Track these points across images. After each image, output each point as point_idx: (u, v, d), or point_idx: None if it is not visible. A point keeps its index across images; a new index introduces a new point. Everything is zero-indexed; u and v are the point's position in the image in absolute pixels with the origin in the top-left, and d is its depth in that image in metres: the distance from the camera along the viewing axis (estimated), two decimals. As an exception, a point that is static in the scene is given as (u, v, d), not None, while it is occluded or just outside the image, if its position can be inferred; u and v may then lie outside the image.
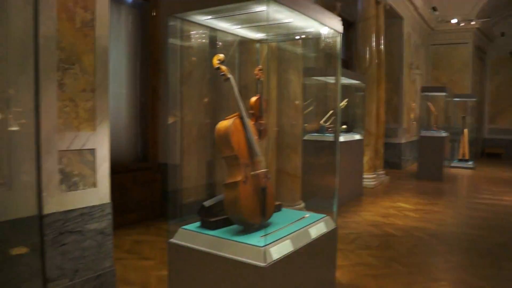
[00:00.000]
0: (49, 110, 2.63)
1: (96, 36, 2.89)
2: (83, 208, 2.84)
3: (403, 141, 10.69)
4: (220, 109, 5.00)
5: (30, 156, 2.55)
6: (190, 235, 2.33)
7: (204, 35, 4.43)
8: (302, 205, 5.28)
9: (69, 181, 2.77)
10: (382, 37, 8.48)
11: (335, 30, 2.65)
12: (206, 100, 5.00)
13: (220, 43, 3.78)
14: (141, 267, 3.73)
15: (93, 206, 2.90)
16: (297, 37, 3.25)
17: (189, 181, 4.88)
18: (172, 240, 2.36)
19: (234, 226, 2.36)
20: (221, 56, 2.38)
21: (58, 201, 2.70)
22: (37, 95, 2.57)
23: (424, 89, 10.27)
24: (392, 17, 9.72)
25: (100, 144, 2.92)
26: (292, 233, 2.34)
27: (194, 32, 4.14)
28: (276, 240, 2.19)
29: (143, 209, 5.20)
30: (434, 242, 4.69)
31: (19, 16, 2.51)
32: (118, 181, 4.54)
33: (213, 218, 2.37)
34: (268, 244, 2.11)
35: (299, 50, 5.20)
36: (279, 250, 2.14)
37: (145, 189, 5.23)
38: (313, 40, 5.65)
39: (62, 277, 2.79)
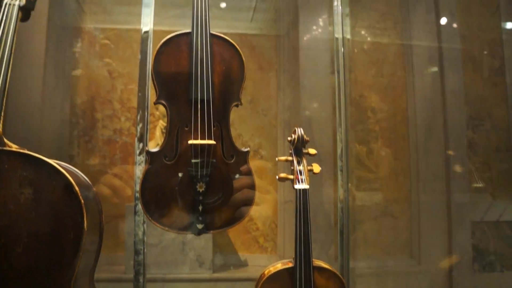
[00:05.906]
0: (458, 175, 2.27)
1: (508, 84, 2.41)
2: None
3: None
4: None
5: (441, 227, 2.23)
6: None
7: None
8: None
9: (483, 260, 2.28)
10: None
11: None
12: None
13: None
14: None
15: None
16: None
17: None
18: None
19: None
20: None
21: (469, 284, 2.25)
22: (446, 154, 2.27)
23: None
24: None
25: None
26: None
27: None
28: None
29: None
30: None
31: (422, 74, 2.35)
32: None
33: None
34: None
35: None
36: None
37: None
38: None
39: None
